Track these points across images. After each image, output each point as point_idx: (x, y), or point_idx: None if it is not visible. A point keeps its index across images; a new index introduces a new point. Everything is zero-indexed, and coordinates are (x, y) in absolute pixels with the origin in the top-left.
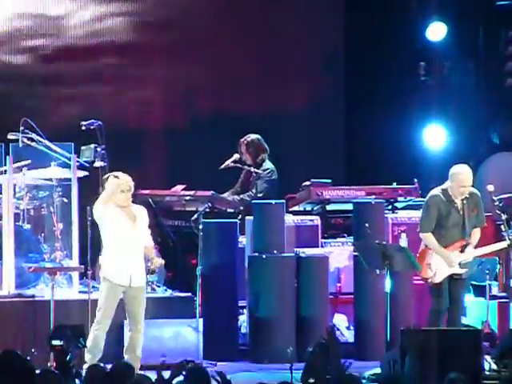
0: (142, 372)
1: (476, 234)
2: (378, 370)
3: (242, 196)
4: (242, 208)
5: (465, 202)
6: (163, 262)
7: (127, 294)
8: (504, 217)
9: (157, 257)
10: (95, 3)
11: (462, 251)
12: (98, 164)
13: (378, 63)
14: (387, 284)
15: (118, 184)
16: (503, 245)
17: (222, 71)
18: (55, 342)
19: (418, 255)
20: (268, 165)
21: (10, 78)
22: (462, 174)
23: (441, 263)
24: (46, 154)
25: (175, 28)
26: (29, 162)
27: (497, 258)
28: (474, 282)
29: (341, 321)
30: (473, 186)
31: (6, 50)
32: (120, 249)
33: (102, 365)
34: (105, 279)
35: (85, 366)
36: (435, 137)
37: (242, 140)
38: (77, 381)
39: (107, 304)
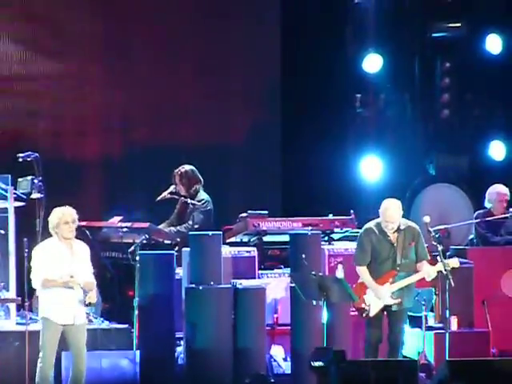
0: None
1: (425, 266)
2: None
3: (178, 227)
4: (178, 239)
5: (399, 234)
6: (98, 299)
7: (70, 331)
8: (440, 248)
9: (94, 293)
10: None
11: (392, 282)
12: (35, 196)
13: (315, 94)
14: (324, 315)
15: (62, 214)
16: (430, 269)
17: (159, 101)
18: (316, 364)
19: (355, 286)
20: (203, 195)
21: None
22: (386, 209)
23: (374, 296)
24: None
25: (112, 56)
26: None
27: (433, 289)
28: (410, 313)
29: (278, 352)
30: (408, 217)
31: None
32: (58, 288)
33: None
34: (45, 318)
35: None
36: (372, 168)
37: (176, 171)
38: None
39: (50, 342)
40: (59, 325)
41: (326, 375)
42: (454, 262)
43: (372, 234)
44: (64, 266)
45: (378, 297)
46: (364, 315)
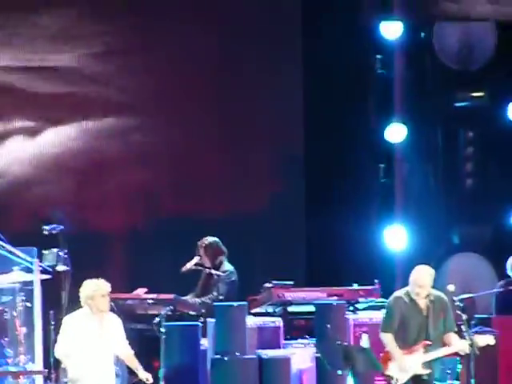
0: None
1: (453, 338)
2: None
3: (203, 298)
4: (203, 310)
5: (429, 304)
6: (124, 372)
7: None
8: (464, 317)
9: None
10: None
11: (425, 352)
12: (60, 268)
13: (338, 164)
14: None
15: (98, 287)
16: (464, 344)
17: (182, 174)
18: None
19: (382, 355)
20: (227, 266)
21: None
22: (416, 273)
23: (398, 367)
24: (9, 258)
25: (135, 129)
26: None
27: (458, 358)
28: (436, 382)
29: None
30: (434, 286)
31: None
32: (88, 356)
33: None
34: None
35: None
36: (396, 238)
37: (200, 243)
38: None
39: None
40: None
41: None
42: (490, 340)
43: (402, 302)
44: (93, 338)
45: (401, 367)
46: (392, 382)
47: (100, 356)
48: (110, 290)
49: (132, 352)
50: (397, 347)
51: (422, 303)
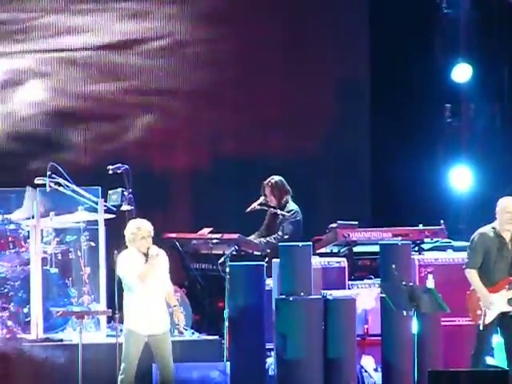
0: None
1: None
2: None
3: (268, 238)
4: (268, 250)
5: None
6: (189, 311)
7: (154, 341)
8: None
9: (178, 306)
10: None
11: (509, 289)
12: (125, 208)
13: (404, 104)
14: (414, 325)
15: (138, 229)
16: None
17: (246, 114)
18: None
19: (467, 295)
20: (292, 206)
21: (36, 121)
22: (504, 201)
23: (483, 303)
24: (74, 198)
25: (200, 71)
26: None
27: None
28: None
29: (368, 362)
30: None
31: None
32: (142, 297)
33: None
34: (128, 330)
35: None
36: (461, 178)
37: (266, 182)
38: None
39: (132, 354)
40: (144, 336)
41: None
42: None
43: (487, 237)
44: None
45: (485, 304)
46: (478, 322)
47: (154, 296)
48: (152, 230)
49: (173, 290)
50: (481, 284)
51: (508, 237)
